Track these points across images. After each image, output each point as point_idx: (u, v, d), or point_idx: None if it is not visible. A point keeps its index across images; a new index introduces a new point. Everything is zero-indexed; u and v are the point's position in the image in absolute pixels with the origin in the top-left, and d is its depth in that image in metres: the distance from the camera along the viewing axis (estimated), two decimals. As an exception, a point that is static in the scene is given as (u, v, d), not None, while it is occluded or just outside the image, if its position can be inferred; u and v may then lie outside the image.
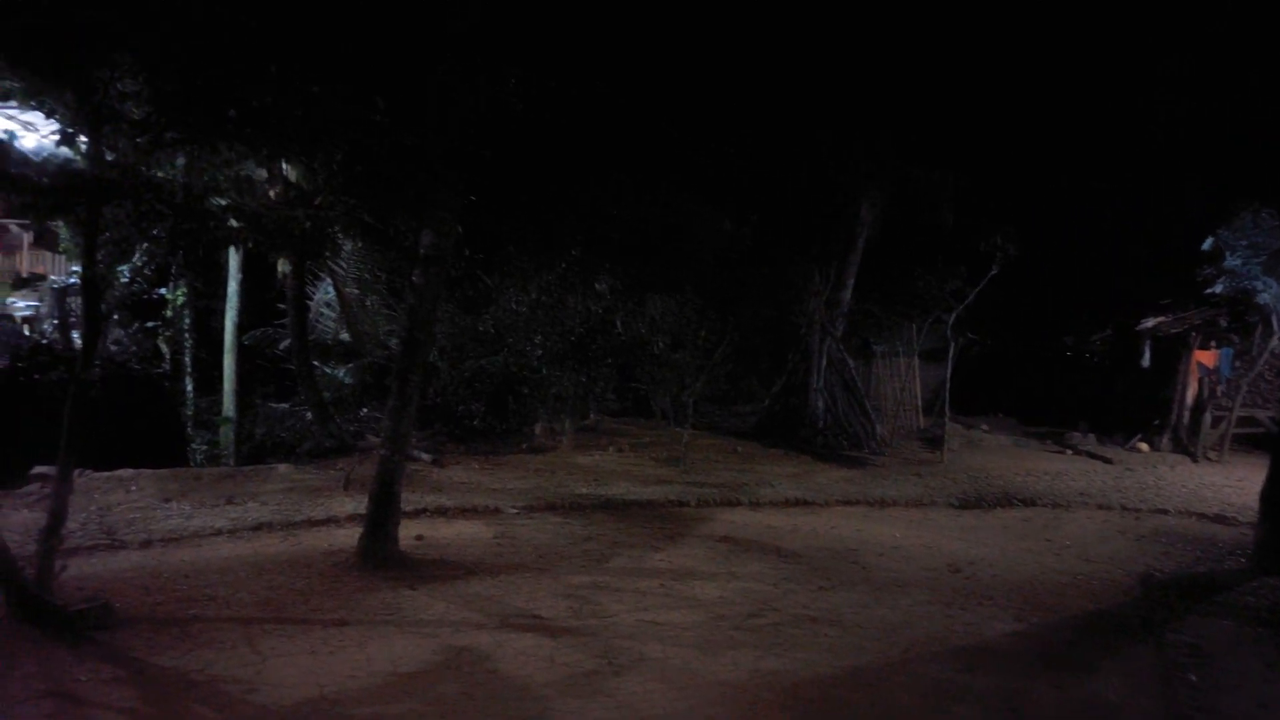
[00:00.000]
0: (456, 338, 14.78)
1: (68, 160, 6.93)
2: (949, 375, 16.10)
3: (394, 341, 14.56)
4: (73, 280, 14.58)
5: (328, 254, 14.76)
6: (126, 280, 16.32)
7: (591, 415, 16.95)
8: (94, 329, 6.97)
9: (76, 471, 10.89)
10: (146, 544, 8.34)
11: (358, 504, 9.64)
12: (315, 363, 15.12)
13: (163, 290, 17.42)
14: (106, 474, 10.82)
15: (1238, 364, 17.84)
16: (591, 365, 14.99)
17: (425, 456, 12.87)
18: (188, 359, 17.38)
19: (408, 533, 8.62)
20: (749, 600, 7.34)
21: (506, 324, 14.53)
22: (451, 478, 12.12)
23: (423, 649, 5.91)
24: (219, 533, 8.82)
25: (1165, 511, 12.06)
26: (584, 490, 11.68)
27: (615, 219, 13.52)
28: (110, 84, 6.64)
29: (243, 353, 15.61)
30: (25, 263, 19.02)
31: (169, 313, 17.24)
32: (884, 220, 17.55)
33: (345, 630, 6.19)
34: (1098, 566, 9.08)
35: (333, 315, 16.28)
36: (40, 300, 16.45)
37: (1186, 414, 17.73)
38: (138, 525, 8.92)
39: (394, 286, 15.53)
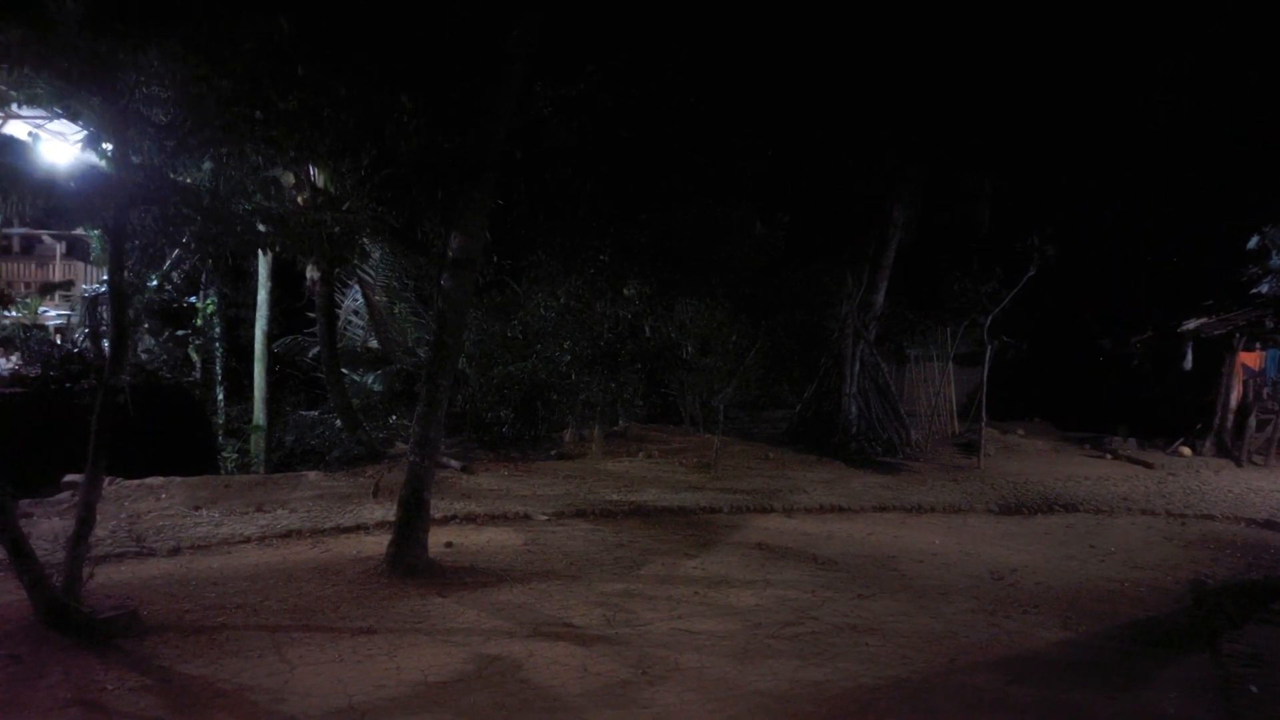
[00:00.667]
0: (485, 344, 14.71)
1: (93, 166, 6.89)
2: (985, 379, 15.78)
3: (423, 349, 14.55)
4: (103, 289, 14.68)
5: (355, 260, 14.77)
6: (154, 285, 16.53)
7: (621, 421, 16.80)
8: (122, 335, 6.93)
9: (107, 479, 10.97)
10: (175, 551, 8.29)
11: (387, 511, 9.56)
12: (344, 370, 15.10)
13: (193, 299, 17.55)
14: (137, 482, 10.81)
15: (1285, 366, 17.37)
16: (620, 370, 14.84)
17: (454, 464, 12.79)
18: (218, 367, 17.49)
19: (437, 540, 8.50)
20: (786, 608, 7.13)
21: (535, 330, 14.44)
22: (481, 484, 12.01)
23: (453, 658, 5.77)
24: (248, 540, 8.76)
25: (1212, 517, 11.70)
26: (614, 497, 11.53)
27: (644, 222, 13.37)
28: (138, 86, 6.62)
29: (273, 361, 15.64)
30: (58, 273, 19.21)
31: (199, 321, 17.35)
32: (918, 222, 17.27)
33: (374, 639, 6.07)
34: (1145, 573, 8.78)
35: (361, 323, 16.28)
36: (72, 309, 16.62)
37: (1231, 417, 17.24)
38: (167, 533, 8.88)
39: (423, 294, 15.50)
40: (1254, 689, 5.73)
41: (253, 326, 15.58)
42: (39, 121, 11.83)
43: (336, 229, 10.22)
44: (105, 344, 14.36)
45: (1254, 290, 16.86)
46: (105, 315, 15.06)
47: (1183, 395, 18.32)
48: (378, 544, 8.37)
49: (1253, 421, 16.78)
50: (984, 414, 15.77)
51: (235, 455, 15.92)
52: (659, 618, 6.76)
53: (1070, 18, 14.74)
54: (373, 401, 14.84)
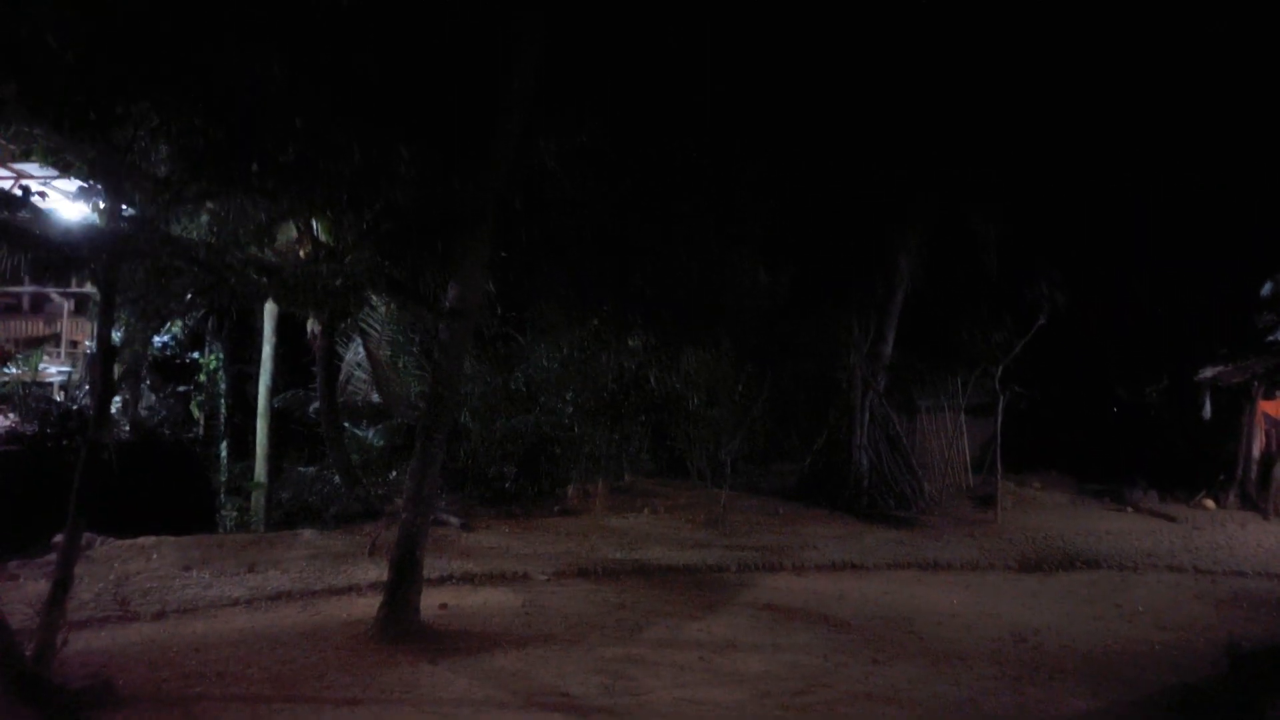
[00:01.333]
0: (488, 397, 14.48)
1: (83, 217, 6.78)
2: (998, 430, 15.42)
3: (425, 403, 14.32)
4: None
5: (362, 314, 14.66)
6: (160, 345, 16.44)
7: (626, 476, 16.46)
8: (107, 390, 6.75)
9: (99, 539, 10.73)
10: (160, 615, 7.99)
11: (381, 571, 9.19)
12: (346, 424, 14.88)
13: (195, 354, 17.45)
14: (128, 542, 10.53)
15: (1306, 415, 16.94)
16: (624, 422, 14.55)
17: (454, 521, 12.47)
18: (222, 424, 17.31)
19: (432, 601, 8.19)
20: (797, 675, 6.75)
21: (538, 382, 14.22)
22: (480, 542, 11.68)
23: (440, 732, 5.43)
24: (236, 603, 8.45)
25: (1243, 573, 11.23)
26: (617, 555, 11.17)
27: (647, 271, 13.21)
28: (135, 141, 6.52)
29: (277, 417, 15.45)
30: (65, 330, 19.20)
31: (202, 377, 17.22)
32: (925, 271, 17.08)
33: (358, 710, 5.75)
34: (1176, 635, 8.36)
35: (364, 376, 16.10)
36: (72, 366, 16.51)
37: (1254, 468, 16.78)
38: (153, 595, 8.57)
39: (427, 348, 15.32)
40: (1302, 764, 5.33)
41: (257, 383, 15.44)
42: (43, 179, 11.88)
43: (337, 281, 10.09)
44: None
45: (1270, 338, 16.54)
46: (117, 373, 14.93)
47: (1203, 446, 17.85)
48: (370, 606, 8.03)
49: (1277, 472, 16.33)
50: (999, 466, 15.38)
51: (235, 513, 15.64)
52: (661, 686, 6.40)
53: (1080, 60, 14.70)
54: (372, 457, 14.58)
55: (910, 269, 16.97)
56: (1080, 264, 16.73)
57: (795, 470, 18.11)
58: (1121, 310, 19.58)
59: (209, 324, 17.37)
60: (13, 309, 19.75)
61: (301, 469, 14.94)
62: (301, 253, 11.95)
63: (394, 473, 14.26)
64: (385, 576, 8.11)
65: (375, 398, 15.62)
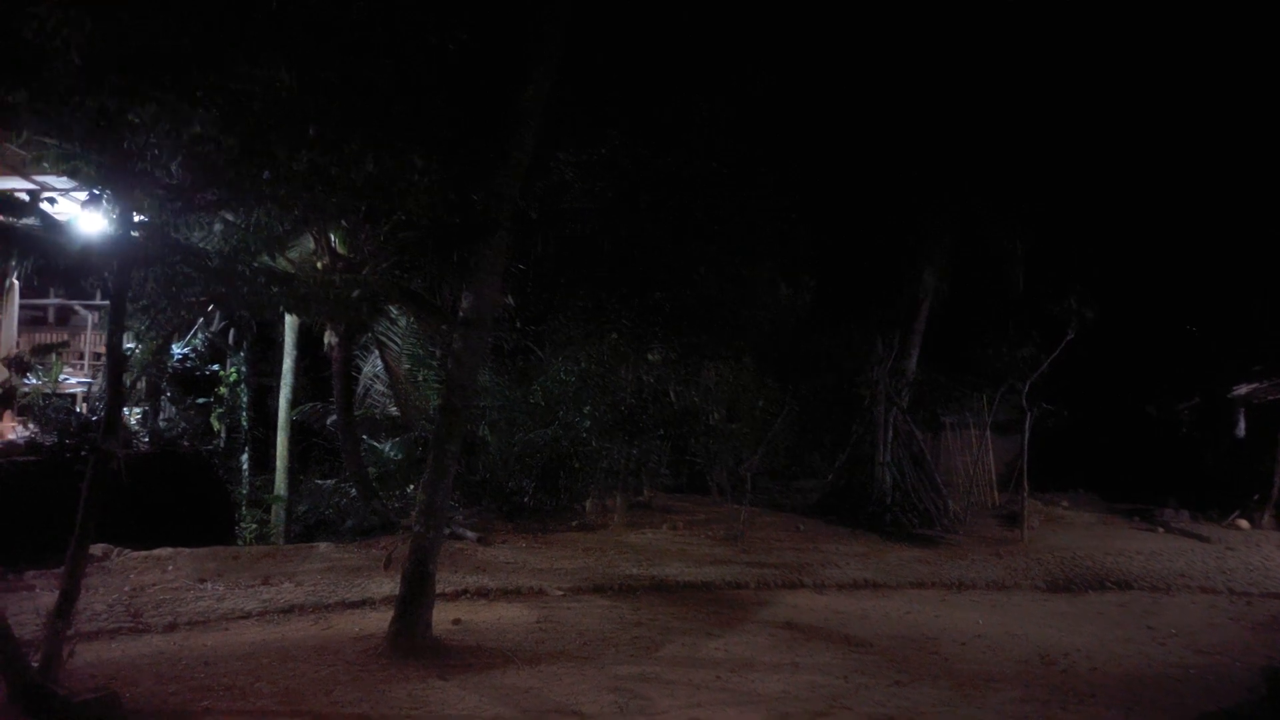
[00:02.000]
0: (507, 410, 14.38)
1: (94, 225, 6.76)
2: (1025, 447, 15.11)
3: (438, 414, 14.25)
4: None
5: (382, 325, 14.66)
6: (179, 357, 16.51)
7: (645, 491, 16.28)
8: (117, 397, 6.68)
9: (116, 551, 10.72)
10: (171, 628, 7.90)
11: (395, 585, 9.04)
12: (365, 437, 14.83)
13: (215, 366, 17.51)
14: (144, 553, 10.50)
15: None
16: (643, 436, 14.39)
17: (470, 535, 12.34)
18: (243, 436, 17.33)
19: (445, 616, 8.06)
20: (816, 696, 6.55)
21: (556, 395, 14.09)
22: (496, 557, 11.54)
23: (447, 750, 5.29)
24: (248, 616, 8.35)
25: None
26: (635, 571, 10.98)
27: (667, 284, 13.08)
28: (147, 149, 6.49)
29: (297, 430, 15.44)
30: (89, 343, 19.36)
31: (223, 390, 17.26)
32: (949, 285, 16.84)
33: (364, 727, 5.61)
34: (1211, 658, 8.07)
35: (383, 389, 16.06)
36: (93, 377, 16.58)
37: (1290, 488, 16.33)
38: (166, 607, 8.50)
39: (447, 362, 15.27)
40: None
41: (279, 395, 15.45)
42: (63, 191, 11.94)
43: (354, 293, 10.05)
44: (125, 411, 14.26)
45: (1304, 355, 16.15)
46: (128, 382, 14.99)
47: (1236, 465, 17.42)
48: (382, 620, 7.90)
49: (1315, 492, 15.88)
50: (1025, 484, 15.05)
51: (255, 526, 15.61)
52: (676, 705, 6.22)
53: (1112, 74, 14.46)
54: (390, 469, 14.50)
55: (934, 283, 16.74)
56: (1110, 279, 16.44)
57: (817, 487, 17.86)
58: (1152, 326, 19.22)
59: (230, 336, 17.43)
60: (38, 320, 19.96)
61: (319, 481, 14.92)
62: (319, 264, 11.94)
63: (411, 486, 14.18)
64: (399, 591, 8.01)
65: (393, 411, 15.58)
